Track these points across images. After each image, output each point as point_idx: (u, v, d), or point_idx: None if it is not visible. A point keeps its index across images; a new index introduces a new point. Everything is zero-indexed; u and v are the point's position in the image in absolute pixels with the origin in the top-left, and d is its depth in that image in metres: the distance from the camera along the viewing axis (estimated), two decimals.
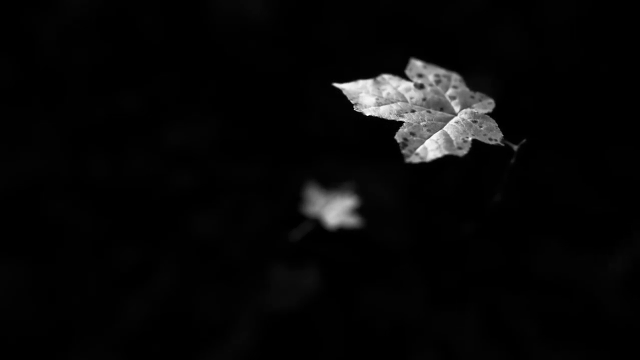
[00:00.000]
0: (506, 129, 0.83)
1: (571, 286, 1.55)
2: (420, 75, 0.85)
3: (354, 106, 0.81)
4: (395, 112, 0.80)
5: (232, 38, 1.94)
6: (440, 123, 0.80)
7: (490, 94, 0.88)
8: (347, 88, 0.83)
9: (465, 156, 0.76)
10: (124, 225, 1.66)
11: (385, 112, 0.80)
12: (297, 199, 1.38)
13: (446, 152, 0.75)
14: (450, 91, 0.84)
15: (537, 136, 1.77)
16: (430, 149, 0.75)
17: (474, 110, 0.82)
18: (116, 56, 1.90)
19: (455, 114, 0.82)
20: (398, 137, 0.76)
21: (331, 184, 1.38)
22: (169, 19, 1.95)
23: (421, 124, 0.79)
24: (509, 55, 1.90)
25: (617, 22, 1.89)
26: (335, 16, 1.97)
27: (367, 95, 0.82)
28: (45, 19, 1.89)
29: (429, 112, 0.81)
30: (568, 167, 1.75)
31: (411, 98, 0.83)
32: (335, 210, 1.29)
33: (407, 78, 0.85)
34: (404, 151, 0.75)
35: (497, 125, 0.79)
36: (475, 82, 1.73)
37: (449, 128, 0.79)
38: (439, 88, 0.84)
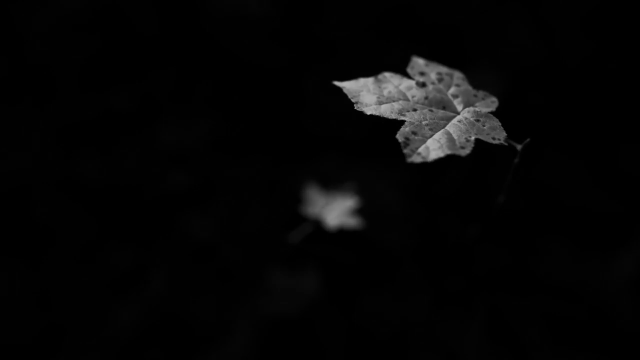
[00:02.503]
0: (512, 128, 0.85)
1: (578, 289, 1.57)
2: (422, 74, 0.87)
3: (354, 105, 0.83)
4: (397, 110, 0.82)
5: (229, 33, 1.96)
6: (442, 122, 0.82)
7: (496, 90, 0.90)
8: (348, 86, 0.85)
9: (469, 156, 0.78)
10: (117, 227, 1.67)
11: (386, 110, 0.82)
12: (296, 200, 1.39)
13: (449, 152, 0.77)
14: (452, 89, 0.86)
15: (544, 135, 1.79)
16: (433, 149, 0.77)
17: (476, 109, 0.84)
18: (109, 52, 1.91)
19: (458, 113, 0.84)
20: (400, 137, 0.78)
21: (331, 184, 1.39)
22: (164, 13, 1.96)
23: (423, 123, 0.81)
24: (516, 50, 1.92)
25: (629, 14, 1.90)
26: (335, 10, 1.99)
27: (368, 94, 0.84)
28: (35, 12, 1.90)
29: (431, 110, 0.83)
30: (576, 166, 1.76)
31: (413, 96, 0.85)
32: (336, 211, 1.30)
33: (408, 76, 0.87)
34: (405, 151, 0.77)
35: (500, 124, 0.81)
36: (481, 78, 1.75)
37: (452, 127, 0.81)
38: (441, 86, 0.86)
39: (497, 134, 0.80)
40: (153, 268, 1.61)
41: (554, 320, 1.54)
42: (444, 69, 0.88)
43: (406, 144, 0.77)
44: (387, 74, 0.86)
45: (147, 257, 1.62)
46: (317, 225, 1.32)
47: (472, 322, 1.54)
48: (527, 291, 1.59)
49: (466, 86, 0.87)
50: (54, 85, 1.87)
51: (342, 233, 1.42)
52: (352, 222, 1.28)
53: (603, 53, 1.89)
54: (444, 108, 0.84)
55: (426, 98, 0.85)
